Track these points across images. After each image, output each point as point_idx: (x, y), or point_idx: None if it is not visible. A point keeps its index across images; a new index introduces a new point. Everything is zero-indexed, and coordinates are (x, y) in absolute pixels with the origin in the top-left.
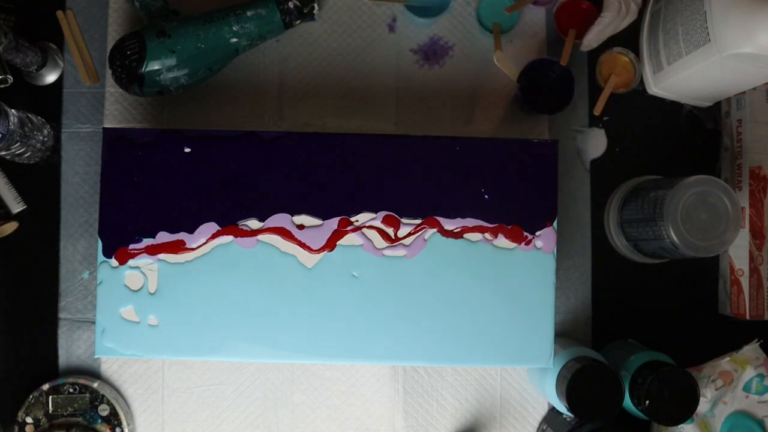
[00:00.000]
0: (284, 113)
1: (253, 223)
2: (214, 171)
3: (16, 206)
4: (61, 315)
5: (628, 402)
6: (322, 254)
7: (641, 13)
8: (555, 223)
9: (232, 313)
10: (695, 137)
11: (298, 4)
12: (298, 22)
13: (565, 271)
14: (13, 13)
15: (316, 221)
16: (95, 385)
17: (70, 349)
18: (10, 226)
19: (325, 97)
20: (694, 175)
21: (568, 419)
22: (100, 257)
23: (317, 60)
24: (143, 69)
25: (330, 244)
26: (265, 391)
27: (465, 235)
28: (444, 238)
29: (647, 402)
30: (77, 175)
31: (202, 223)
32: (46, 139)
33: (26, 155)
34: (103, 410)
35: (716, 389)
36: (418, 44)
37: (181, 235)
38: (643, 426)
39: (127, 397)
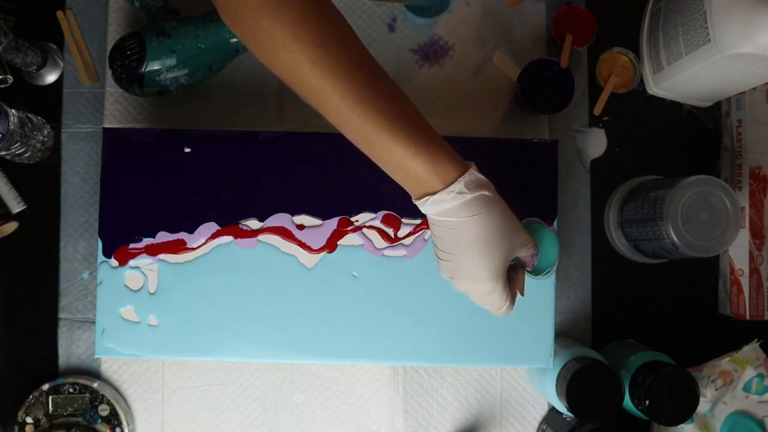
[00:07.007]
0: (284, 113)
1: (253, 223)
2: (214, 171)
3: (16, 206)
4: (61, 315)
5: (628, 402)
6: (322, 254)
7: (642, 13)
8: (555, 223)
9: (232, 313)
10: (695, 137)
11: None
12: None
13: (565, 271)
14: (13, 13)
15: (316, 221)
16: (95, 385)
17: (70, 349)
18: (10, 226)
19: None
20: (694, 175)
21: (568, 419)
22: (100, 257)
23: None
24: (143, 69)
25: (330, 244)
26: (265, 391)
27: None
28: None
29: (647, 402)
30: (77, 175)
31: (202, 223)
32: (46, 139)
33: (26, 155)
34: (103, 410)
35: (716, 389)
36: (418, 44)
37: (181, 235)
38: (643, 426)
39: (127, 397)
